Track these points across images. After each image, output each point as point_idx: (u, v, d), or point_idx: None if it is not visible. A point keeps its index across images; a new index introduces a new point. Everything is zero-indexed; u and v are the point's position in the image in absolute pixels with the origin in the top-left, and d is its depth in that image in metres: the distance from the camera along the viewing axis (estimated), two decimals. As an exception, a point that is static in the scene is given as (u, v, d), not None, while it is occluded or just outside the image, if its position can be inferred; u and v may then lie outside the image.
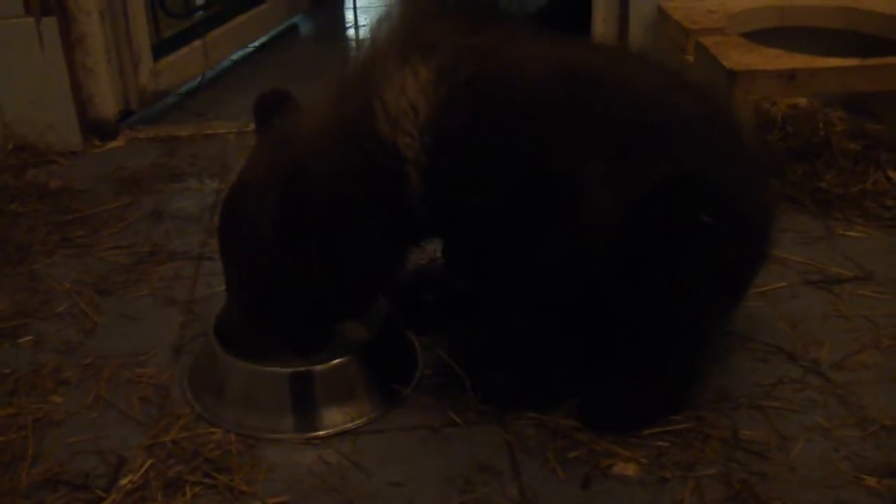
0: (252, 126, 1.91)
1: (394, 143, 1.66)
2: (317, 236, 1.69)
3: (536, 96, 1.65)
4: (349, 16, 4.73)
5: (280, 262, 1.72)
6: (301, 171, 1.65)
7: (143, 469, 1.68)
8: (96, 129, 3.10)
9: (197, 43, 3.58)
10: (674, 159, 1.66)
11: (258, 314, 1.82)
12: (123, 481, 1.66)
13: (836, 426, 1.75)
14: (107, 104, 3.10)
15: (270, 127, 1.80)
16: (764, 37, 2.83)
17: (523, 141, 1.63)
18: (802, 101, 2.78)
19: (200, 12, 3.70)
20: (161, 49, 3.37)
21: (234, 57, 3.97)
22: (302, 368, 1.79)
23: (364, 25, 4.54)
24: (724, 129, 1.79)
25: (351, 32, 4.53)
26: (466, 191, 1.64)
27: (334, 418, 1.79)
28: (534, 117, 1.63)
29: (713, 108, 1.82)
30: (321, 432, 1.77)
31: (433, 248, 2.11)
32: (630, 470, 1.66)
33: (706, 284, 1.72)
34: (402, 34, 1.73)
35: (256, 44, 4.14)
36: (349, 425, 1.78)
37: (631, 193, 1.64)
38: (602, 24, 3.15)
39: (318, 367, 1.79)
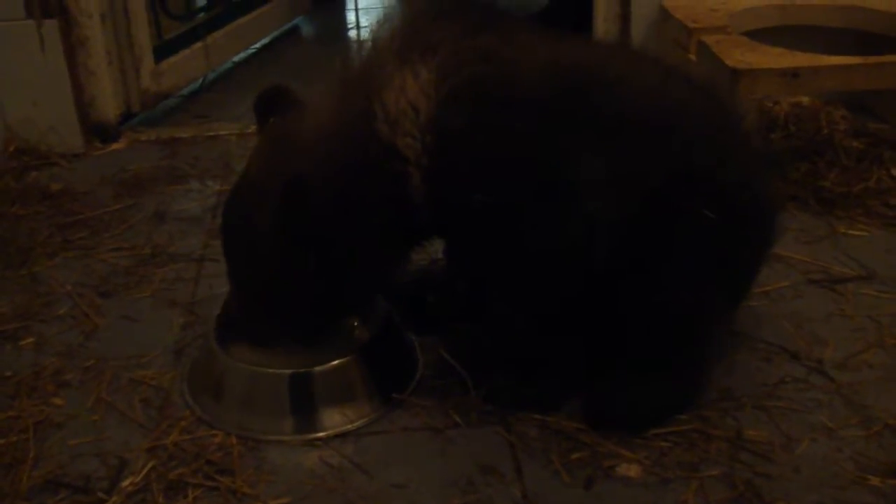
0: (254, 128, 1.91)
1: (393, 143, 1.66)
2: (316, 240, 1.68)
3: (536, 96, 1.64)
4: (350, 17, 4.73)
5: (279, 264, 1.72)
6: (300, 176, 1.64)
7: (145, 471, 1.68)
8: (98, 131, 3.10)
9: (198, 45, 3.58)
10: (675, 155, 1.65)
11: (258, 310, 1.83)
12: (125, 483, 1.66)
13: (840, 426, 1.74)
14: (108, 106, 3.09)
15: (271, 125, 1.81)
16: (766, 35, 2.82)
17: (524, 140, 1.63)
18: (805, 99, 2.78)
19: (202, 14, 3.70)
20: (163, 51, 3.36)
21: (236, 59, 3.96)
22: (301, 370, 1.79)
23: (365, 27, 4.53)
24: (725, 123, 1.79)
25: (352, 34, 4.53)
26: (467, 190, 1.64)
27: (334, 420, 1.78)
28: (534, 117, 1.63)
29: (715, 102, 1.82)
30: (321, 434, 1.76)
31: (435, 249, 2.11)
32: (633, 471, 1.65)
33: (710, 280, 1.71)
34: (402, 35, 1.73)
35: (258, 45, 4.13)
36: (349, 427, 1.78)
37: (633, 190, 1.64)
38: (603, 23, 3.14)
39: (318, 369, 1.79)
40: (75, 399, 1.88)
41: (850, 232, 2.40)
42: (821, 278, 2.21)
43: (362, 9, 4.76)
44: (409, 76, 1.66)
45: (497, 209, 1.64)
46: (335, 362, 1.80)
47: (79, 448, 1.75)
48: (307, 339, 1.86)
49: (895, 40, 2.81)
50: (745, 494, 1.59)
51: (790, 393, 1.83)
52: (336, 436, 1.76)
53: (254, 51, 4.10)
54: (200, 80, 3.68)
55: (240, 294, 1.86)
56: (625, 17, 3.12)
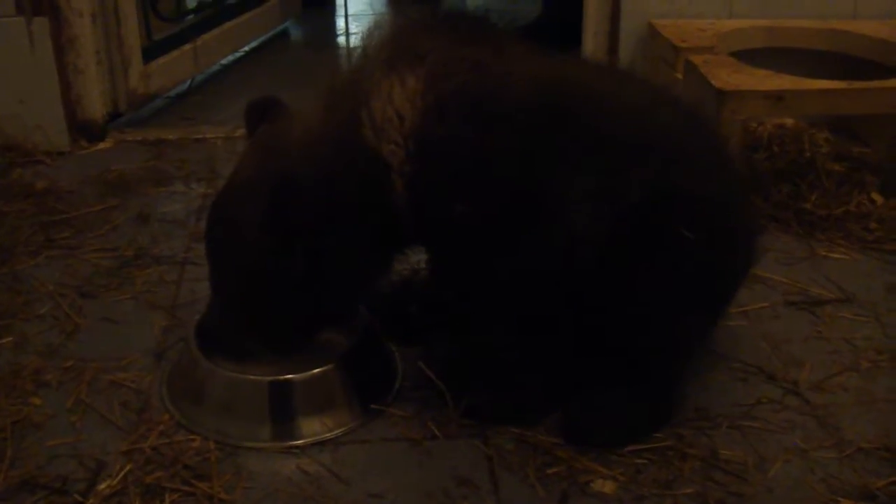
0: (240, 131, 1.92)
1: (378, 150, 1.67)
2: (302, 242, 1.69)
3: (521, 110, 1.65)
4: (340, 23, 4.74)
5: (264, 265, 1.73)
6: (288, 177, 1.66)
7: (122, 474, 1.68)
8: (84, 131, 3.10)
9: (187, 47, 3.58)
10: (655, 174, 1.66)
11: (240, 316, 1.84)
12: (101, 486, 1.66)
13: (813, 448, 1.76)
14: (96, 106, 3.09)
15: (260, 132, 1.82)
16: (753, 56, 2.84)
17: (506, 153, 1.64)
18: (789, 121, 2.81)
19: (192, 16, 3.70)
20: (152, 52, 3.36)
21: (225, 61, 3.96)
22: (281, 377, 1.79)
23: (355, 32, 4.54)
24: (707, 145, 1.80)
25: (341, 39, 4.54)
26: (448, 200, 1.65)
27: (312, 428, 1.78)
28: (517, 131, 1.64)
29: (697, 124, 1.83)
30: (299, 441, 1.77)
31: (417, 260, 2.12)
32: (608, 487, 1.66)
33: (687, 299, 1.73)
34: (392, 44, 1.75)
35: (247, 49, 4.14)
36: (327, 435, 1.78)
37: (612, 208, 1.65)
38: (592, 40, 3.16)
39: (298, 377, 1.79)
40: (54, 399, 1.88)
41: (830, 255, 2.42)
42: (799, 300, 2.23)
43: (352, 14, 4.77)
44: (397, 84, 1.67)
45: (476, 221, 1.65)
46: (315, 370, 1.80)
47: (56, 449, 1.75)
48: (286, 349, 1.87)
49: (881, 65, 2.83)
50: (718, 513, 1.61)
51: (765, 413, 1.85)
52: (314, 444, 1.77)
53: (242, 54, 4.10)
54: (188, 82, 3.68)
55: (222, 299, 1.87)
56: (613, 34, 3.13)
